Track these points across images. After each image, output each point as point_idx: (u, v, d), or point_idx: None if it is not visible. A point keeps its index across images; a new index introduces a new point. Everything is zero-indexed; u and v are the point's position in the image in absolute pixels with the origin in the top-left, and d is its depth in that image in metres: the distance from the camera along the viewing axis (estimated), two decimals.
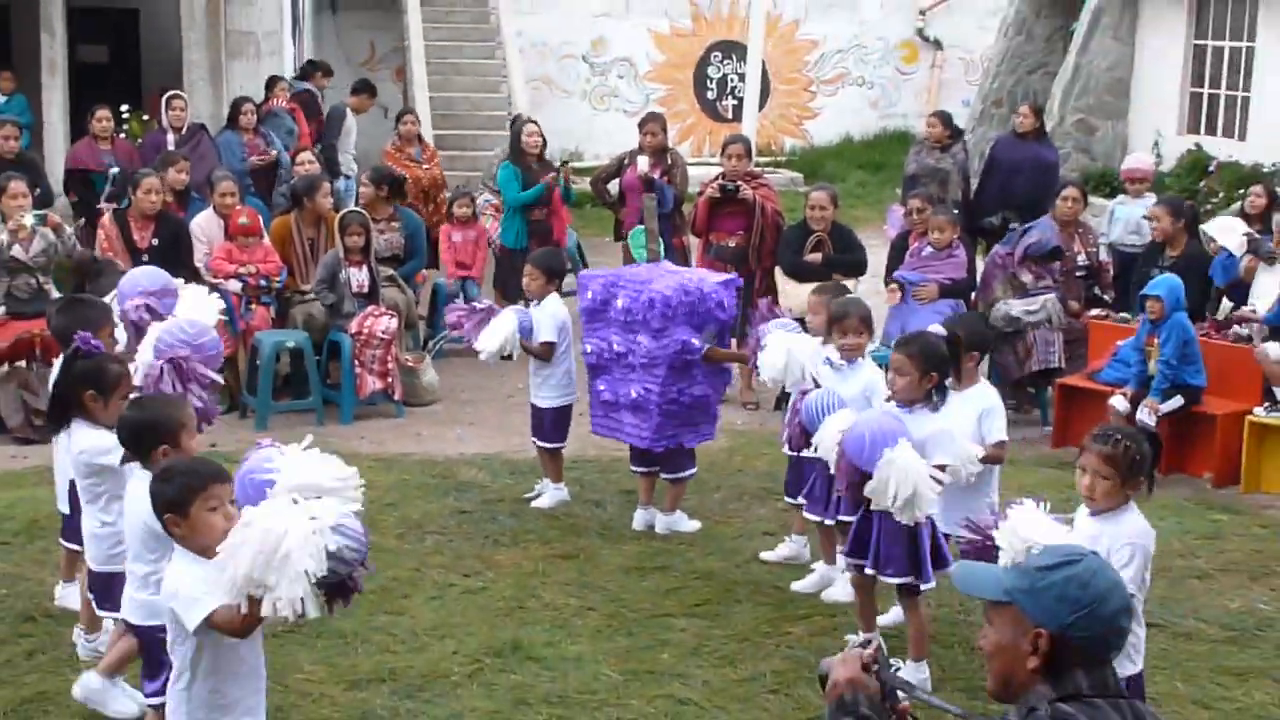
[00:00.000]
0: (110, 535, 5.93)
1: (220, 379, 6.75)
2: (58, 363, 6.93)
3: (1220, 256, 10.70)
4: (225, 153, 13.87)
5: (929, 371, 6.50)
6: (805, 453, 7.40)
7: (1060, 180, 13.04)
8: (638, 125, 12.54)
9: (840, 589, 7.49)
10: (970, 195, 14.18)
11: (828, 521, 7.49)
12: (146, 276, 7.62)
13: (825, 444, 6.77)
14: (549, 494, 8.95)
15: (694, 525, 8.57)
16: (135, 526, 5.20)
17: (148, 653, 5.46)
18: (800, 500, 7.70)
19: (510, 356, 8.88)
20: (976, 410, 6.91)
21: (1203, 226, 11.03)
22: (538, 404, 9.00)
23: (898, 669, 3.54)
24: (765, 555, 8.10)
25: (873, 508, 6.42)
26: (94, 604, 6.24)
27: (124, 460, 5.42)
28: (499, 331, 8.71)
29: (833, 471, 6.75)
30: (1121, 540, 5.29)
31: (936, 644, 6.94)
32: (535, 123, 13.38)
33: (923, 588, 6.59)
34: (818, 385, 7.33)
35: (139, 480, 5.16)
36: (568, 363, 8.96)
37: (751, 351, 8.00)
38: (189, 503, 4.55)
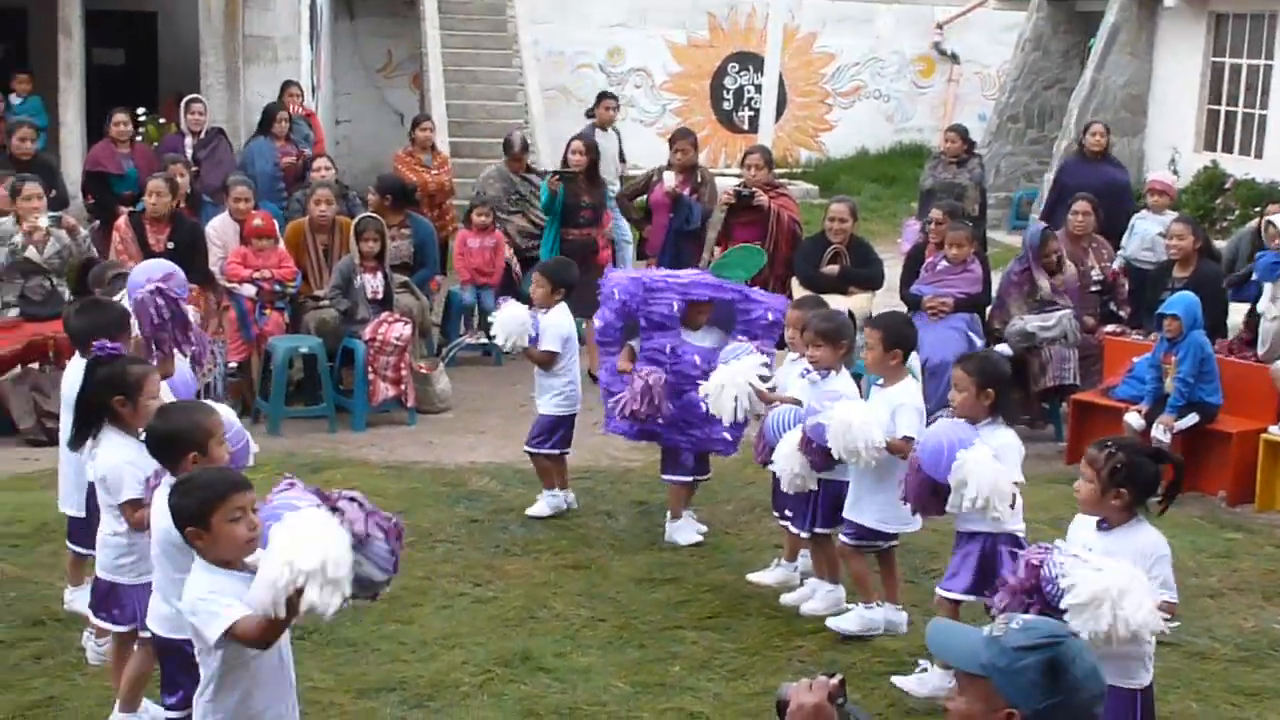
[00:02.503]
0: (118, 545, 5.88)
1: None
2: (70, 365, 6.93)
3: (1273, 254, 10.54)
4: (259, 159, 13.84)
5: (985, 388, 6.42)
6: (770, 467, 7.48)
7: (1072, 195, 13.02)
8: (668, 142, 12.50)
9: (819, 602, 7.52)
10: (986, 209, 14.15)
11: (804, 534, 7.60)
12: (155, 267, 7.45)
13: (780, 461, 7.06)
14: (544, 500, 8.88)
15: (691, 538, 8.51)
16: (160, 537, 5.08)
17: (166, 666, 5.36)
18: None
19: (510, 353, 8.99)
20: (891, 406, 6.91)
21: (1269, 217, 10.85)
22: (540, 411, 8.96)
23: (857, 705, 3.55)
24: (751, 576, 8.00)
25: (948, 509, 6.40)
26: (91, 611, 6.16)
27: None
28: (510, 319, 8.72)
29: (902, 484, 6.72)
30: (1143, 555, 5.23)
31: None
32: (582, 139, 12.88)
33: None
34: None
35: (164, 489, 5.06)
36: (571, 375, 8.90)
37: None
38: (210, 514, 4.48)
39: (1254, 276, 10.42)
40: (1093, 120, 15.17)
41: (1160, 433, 9.53)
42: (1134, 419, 9.74)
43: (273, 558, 4.19)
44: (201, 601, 4.42)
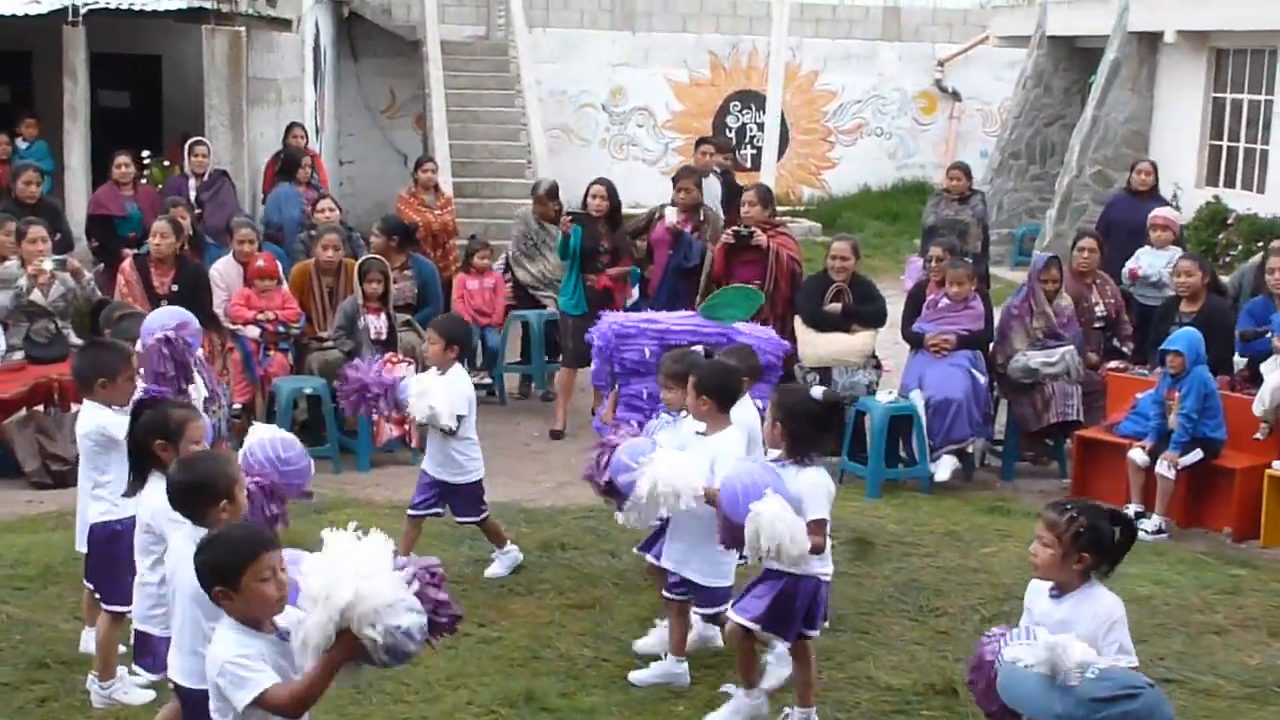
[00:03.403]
0: (150, 595, 5.85)
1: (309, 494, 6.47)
2: (78, 409, 6.96)
3: None
4: (286, 205, 13.82)
5: (776, 421, 6.32)
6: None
7: (1079, 231, 13.03)
8: (671, 180, 12.38)
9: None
10: (989, 246, 14.14)
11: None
12: (168, 315, 7.52)
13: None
14: (501, 559, 8.54)
15: None
16: (185, 587, 4.98)
17: (191, 717, 5.23)
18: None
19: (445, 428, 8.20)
20: (711, 455, 6.75)
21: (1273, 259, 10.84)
22: (451, 480, 8.36)
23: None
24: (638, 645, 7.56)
25: (747, 557, 6.27)
26: (135, 657, 6.15)
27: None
28: (436, 395, 8.11)
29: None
30: (1098, 620, 5.00)
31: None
32: (602, 183, 12.34)
33: (809, 633, 6.44)
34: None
35: (187, 539, 4.97)
36: (474, 435, 8.41)
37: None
38: (240, 574, 4.42)
39: (1270, 334, 10.33)
40: (1139, 159, 15.03)
41: (1164, 469, 9.54)
42: (1138, 455, 9.74)
43: (309, 592, 4.28)
44: (231, 665, 4.38)
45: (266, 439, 6.20)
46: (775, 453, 6.47)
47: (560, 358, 12.43)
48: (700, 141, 15.47)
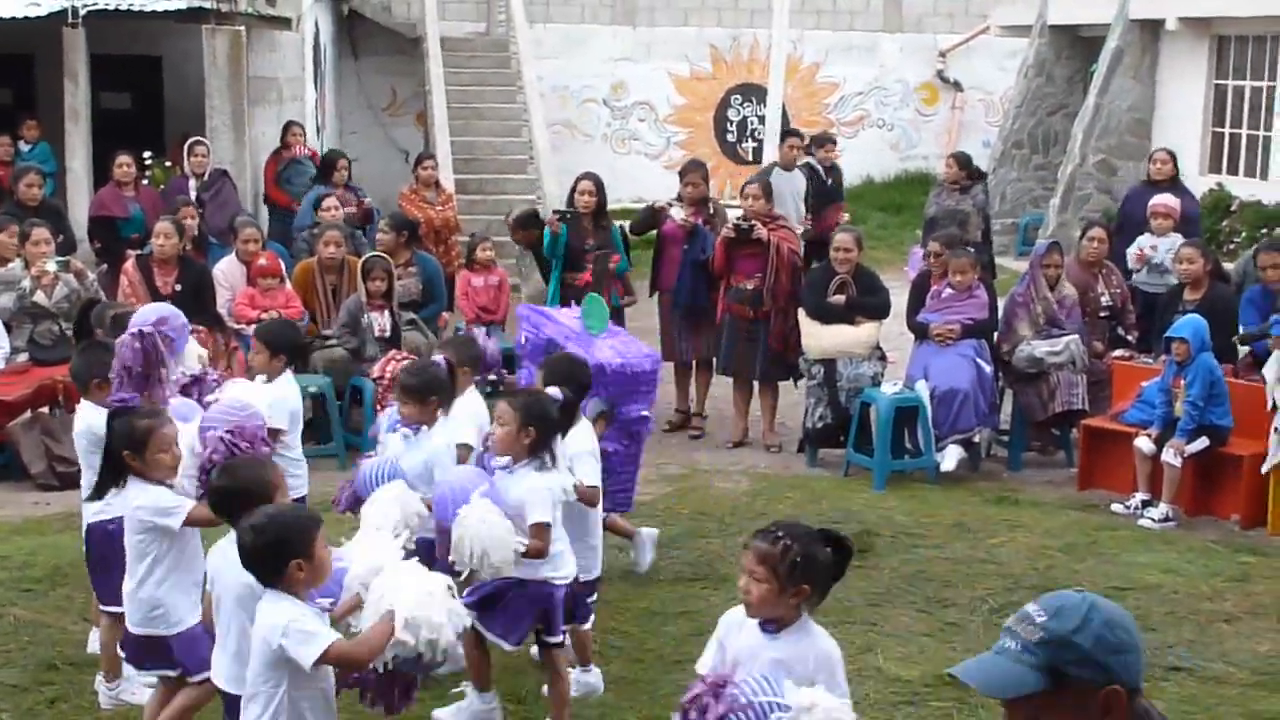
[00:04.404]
0: (150, 600, 5.82)
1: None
2: (79, 409, 6.95)
3: None
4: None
5: (527, 425, 6.14)
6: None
7: (1087, 221, 12.97)
8: (679, 174, 12.32)
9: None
10: (991, 236, 14.08)
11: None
12: (152, 311, 7.29)
13: (371, 514, 6.13)
14: None
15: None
16: (231, 590, 5.03)
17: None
18: None
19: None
20: (567, 455, 6.57)
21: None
22: None
23: None
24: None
25: (456, 568, 5.92)
26: (132, 664, 6.09)
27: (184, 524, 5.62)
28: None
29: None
30: (818, 663, 4.50)
31: None
32: (590, 179, 12.04)
33: (551, 641, 6.33)
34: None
35: (231, 543, 4.98)
36: (298, 450, 7.61)
37: None
38: (312, 543, 4.58)
39: (1273, 333, 10.23)
40: (1158, 148, 14.89)
41: (1171, 457, 9.52)
42: (1144, 444, 9.73)
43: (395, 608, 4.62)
44: (295, 626, 4.48)
45: (220, 406, 6.22)
46: (503, 460, 6.29)
47: None
48: (786, 134, 15.34)
